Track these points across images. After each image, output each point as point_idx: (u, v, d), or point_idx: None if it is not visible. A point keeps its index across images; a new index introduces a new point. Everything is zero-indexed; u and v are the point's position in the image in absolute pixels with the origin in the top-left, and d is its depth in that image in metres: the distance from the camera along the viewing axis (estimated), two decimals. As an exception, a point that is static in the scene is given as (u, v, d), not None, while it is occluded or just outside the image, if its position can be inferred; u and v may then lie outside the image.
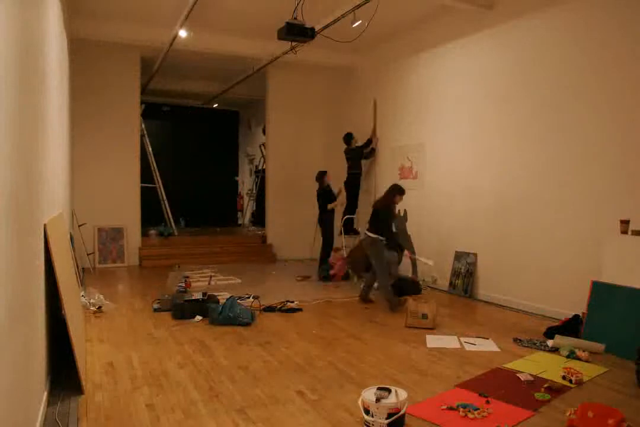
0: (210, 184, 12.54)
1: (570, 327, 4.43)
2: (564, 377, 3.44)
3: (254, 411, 2.89)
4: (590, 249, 4.78)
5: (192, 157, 12.40)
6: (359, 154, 8.25)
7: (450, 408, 2.92)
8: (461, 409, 2.89)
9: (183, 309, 4.97)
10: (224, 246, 9.23)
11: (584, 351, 3.89)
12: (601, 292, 4.29)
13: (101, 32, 7.03)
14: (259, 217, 11.82)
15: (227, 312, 4.75)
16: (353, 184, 8.22)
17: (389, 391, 2.68)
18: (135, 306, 5.51)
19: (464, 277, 6.28)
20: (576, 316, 4.53)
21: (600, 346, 4.03)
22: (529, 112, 5.50)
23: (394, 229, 6.01)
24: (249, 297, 5.62)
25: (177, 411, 2.89)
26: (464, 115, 6.41)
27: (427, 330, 4.64)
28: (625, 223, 4.31)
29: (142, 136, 9.22)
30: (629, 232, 4.27)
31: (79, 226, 7.47)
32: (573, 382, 3.36)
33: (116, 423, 2.74)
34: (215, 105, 12.72)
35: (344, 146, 8.29)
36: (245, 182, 13.40)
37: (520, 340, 4.32)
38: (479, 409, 2.89)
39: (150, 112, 10.28)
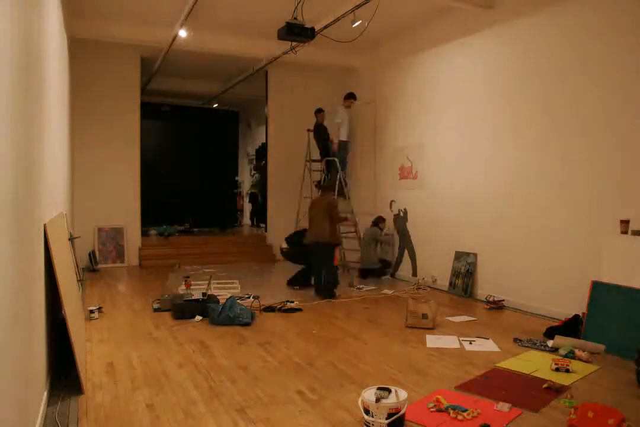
0: (211, 184, 12.53)
1: (570, 327, 4.43)
2: (557, 369, 3.50)
3: (254, 411, 2.89)
4: (590, 249, 4.78)
5: (192, 157, 12.40)
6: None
7: (439, 410, 2.90)
8: (451, 411, 2.86)
9: (183, 309, 4.97)
10: (224, 246, 9.24)
11: (584, 351, 3.89)
12: (601, 292, 4.29)
13: (101, 32, 7.03)
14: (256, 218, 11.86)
15: (227, 312, 4.75)
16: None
17: (389, 391, 2.68)
18: (135, 306, 5.52)
19: (464, 277, 6.28)
20: (576, 316, 4.53)
21: (600, 346, 4.03)
22: (529, 112, 5.50)
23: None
24: (249, 297, 5.63)
25: (177, 410, 2.89)
26: (464, 115, 6.41)
27: (427, 330, 4.65)
28: (625, 223, 4.31)
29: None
30: (629, 232, 4.27)
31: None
32: (571, 371, 3.47)
33: (116, 423, 2.74)
34: (215, 105, 12.71)
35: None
36: (245, 182, 13.41)
37: (520, 340, 4.32)
38: (467, 410, 2.86)
39: (149, 112, 10.27)
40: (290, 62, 8.32)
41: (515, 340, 4.33)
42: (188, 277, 6.29)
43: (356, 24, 6.13)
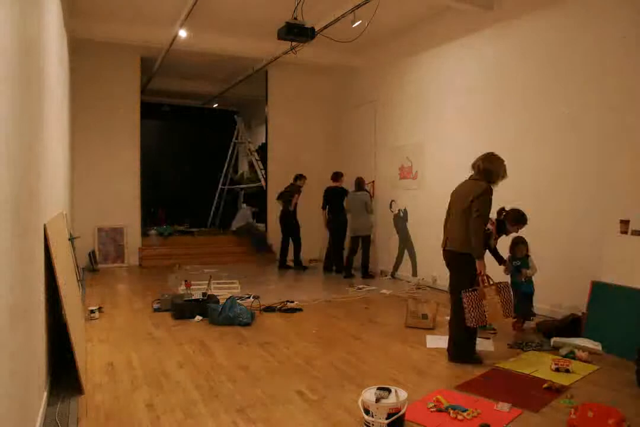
0: (210, 184, 12.54)
1: (570, 327, 4.43)
2: (557, 369, 3.51)
3: (254, 411, 2.89)
4: (590, 249, 4.77)
5: (192, 157, 12.40)
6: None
7: (439, 410, 2.89)
8: (451, 411, 2.85)
9: (183, 309, 4.97)
10: (224, 246, 9.24)
11: (584, 351, 3.89)
12: (601, 292, 4.28)
13: (101, 32, 7.03)
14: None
15: (227, 312, 4.75)
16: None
17: (389, 391, 2.67)
18: (135, 306, 5.52)
19: (464, 277, 6.26)
20: (576, 316, 4.52)
21: (600, 346, 4.03)
22: (528, 111, 5.50)
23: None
24: (249, 297, 5.63)
25: (177, 411, 2.89)
26: (464, 115, 6.41)
27: (427, 330, 4.65)
28: (625, 223, 4.31)
29: None
30: (629, 232, 4.26)
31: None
32: (571, 371, 3.48)
33: (116, 423, 2.74)
34: (215, 105, 12.72)
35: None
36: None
37: (520, 340, 4.32)
38: (467, 410, 2.86)
39: (149, 112, 10.27)
40: (290, 62, 8.33)
41: (516, 340, 4.33)
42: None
43: (356, 24, 6.13)
